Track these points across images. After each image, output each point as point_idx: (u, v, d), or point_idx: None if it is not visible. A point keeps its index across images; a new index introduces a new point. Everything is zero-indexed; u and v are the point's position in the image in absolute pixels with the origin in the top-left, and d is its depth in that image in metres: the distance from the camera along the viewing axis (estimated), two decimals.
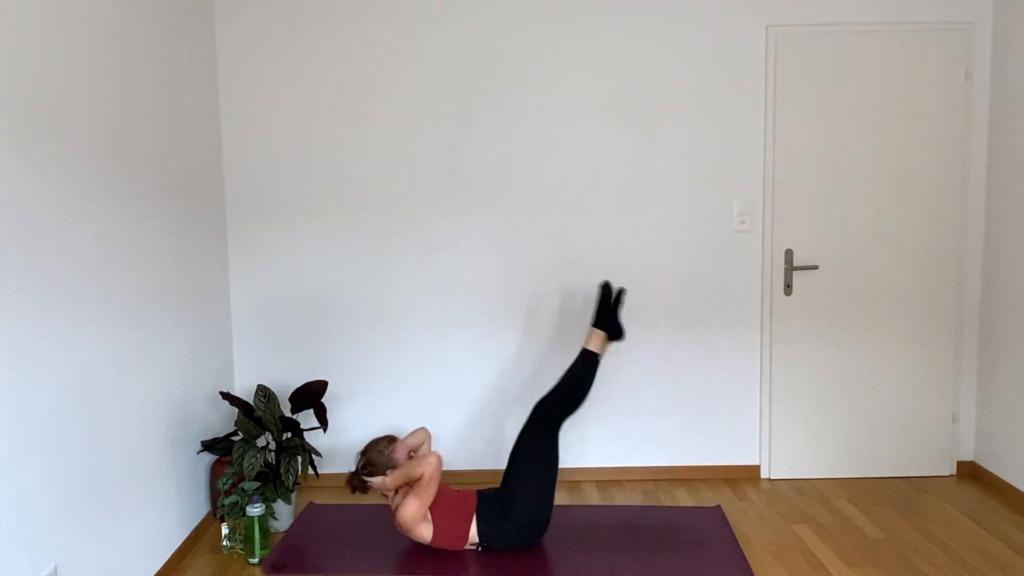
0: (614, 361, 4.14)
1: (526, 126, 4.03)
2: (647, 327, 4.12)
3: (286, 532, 3.57)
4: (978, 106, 4.01)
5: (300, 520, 3.67)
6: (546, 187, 4.06)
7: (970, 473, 4.17)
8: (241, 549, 3.39)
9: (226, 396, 3.48)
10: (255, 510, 3.29)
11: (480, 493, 3.37)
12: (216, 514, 3.65)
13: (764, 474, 4.20)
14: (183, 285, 3.45)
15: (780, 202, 4.04)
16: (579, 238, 4.08)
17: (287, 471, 3.47)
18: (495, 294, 4.11)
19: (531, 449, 3.34)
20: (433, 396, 4.17)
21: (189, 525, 3.48)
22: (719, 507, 3.76)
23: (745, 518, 3.68)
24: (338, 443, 4.17)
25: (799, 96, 3.99)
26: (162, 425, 3.22)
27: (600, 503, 3.88)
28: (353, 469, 3.36)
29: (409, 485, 3.26)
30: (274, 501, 3.49)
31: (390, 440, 3.39)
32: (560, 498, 3.95)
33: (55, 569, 2.38)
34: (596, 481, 4.19)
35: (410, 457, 3.42)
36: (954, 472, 4.18)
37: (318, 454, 3.66)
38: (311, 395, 3.72)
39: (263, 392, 3.62)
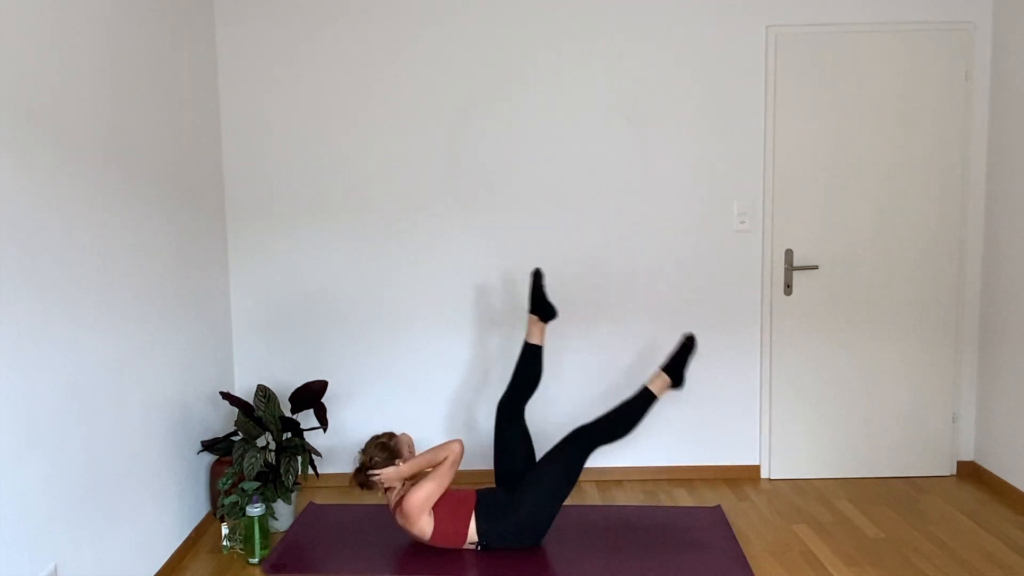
0: (614, 361, 4.14)
1: (526, 126, 4.03)
2: (647, 327, 4.12)
3: (286, 532, 3.57)
4: (978, 106, 4.01)
5: (300, 520, 3.67)
6: (546, 187, 4.06)
7: (970, 473, 4.17)
8: (241, 549, 3.39)
9: (226, 396, 3.48)
10: (255, 510, 3.29)
11: (479, 492, 3.37)
12: (216, 514, 3.65)
13: (764, 474, 4.20)
14: (183, 285, 3.45)
15: (780, 202, 4.04)
16: (579, 238, 4.08)
17: (287, 471, 3.47)
18: (495, 294, 4.10)
19: (556, 461, 3.31)
20: (433, 396, 4.17)
21: (189, 525, 3.48)
22: (719, 507, 3.76)
23: (745, 518, 3.68)
24: (338, 443, 4.17)
25: (799, 96, 3.99)
26: (162, 425, 3.22)
27: (600, 503, 3.88)
28: (356, 467, 3.36)
29: (414, 479, 3.28)
30: (274, 501, 3.49)
31: (390, 435, 3.40)
32: None
33: (55, 569, 2.38)
34: (596, 481, 4.19)
35: (410, 452, 3.43)
36: (954, 472, 4.18)
37: (318, 454, 3.66)
38: (311, 395, 3.72)
39: (263, 392, 3.62)
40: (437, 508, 3.25)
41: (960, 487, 4.02)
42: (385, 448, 3.33)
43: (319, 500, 3.96)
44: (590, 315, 4.11)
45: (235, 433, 3.65)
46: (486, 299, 4.11)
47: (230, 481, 3.39)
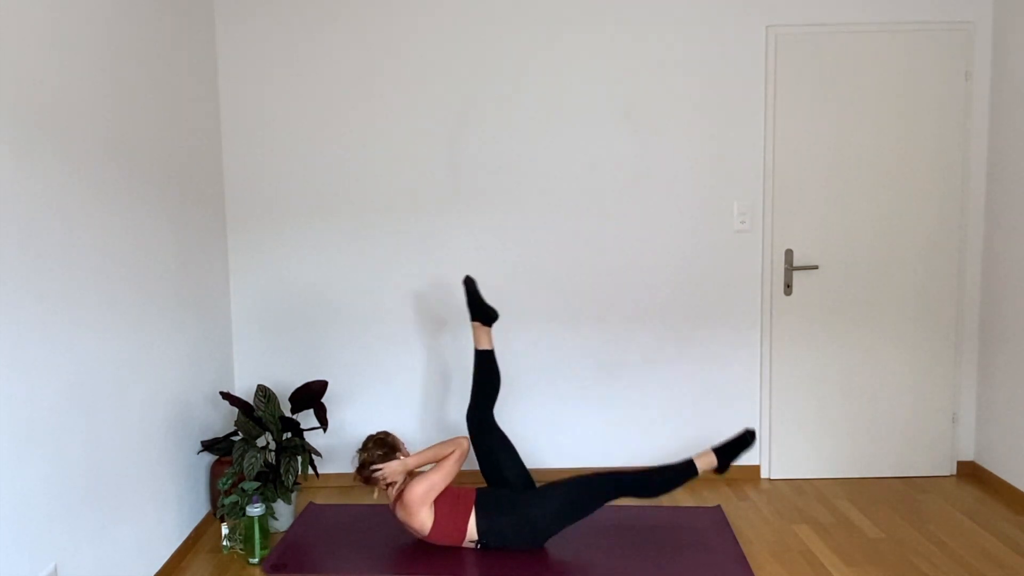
0: (614, 361, 4.14)
1: (526, 126, 4.03)
2: (647, 327, 4.12)
3: (286, 532, 3.57)
4: (978, 106, 4.01)
5: (300, 520, 3.67)
6: (546, 187, 4.06)
7: (970, 473, 4.17)
8: (241, 549, 3.39)
9: (226, 396, 3.48)
10: (255, 510, 3.29)
11: (480, 490, 3.37)
12: (216, 514, 3.65)
13: (764, 474, 4.20)
14: (183, 285, 3.45)
15: (780, 202, 4.04)
16: (579, 238, 4.08)
17: (287, 471, 3.47)
18: (495, 294, 4.10)
19: (581, 486, 3.27)
20: (433, 396, 4.17)
21: (189, 525, 3.48)
22: (719, 507, 3.76)
23: (745, 518, 3.68)
24: (338, 443, 4.17)
25: (799, 96, 3.99)
26: (162, 425, 3.22)
27: None
28: (358, 465, 3.35)
29: (415, 474, 3.28)
30: (274, 501, 3.49)
31: (386, 432, 3.41)
32: None
33: (55, 569, 2.38)
34: None
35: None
36: (954, 472, 4.18)
37: (318, 454, 3.66)
38: (311, 395, 3.72)
39: (263, 392, 3.62)
40: (437, 503, 3.26)
41: (960, 487, 4.02)
42: (384, 444, 3.33)
43: (319, 500, 3.96)
44: (590, 315, 4.11)
45: (235, 433, 3.65)
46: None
47: (230, 481, 3.39)
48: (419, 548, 3.35)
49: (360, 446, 3.41)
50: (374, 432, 3.53)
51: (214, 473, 3.65)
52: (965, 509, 3.74)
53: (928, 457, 4.16)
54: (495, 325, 4.10)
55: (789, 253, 4.06)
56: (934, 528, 3.53)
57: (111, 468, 2.77)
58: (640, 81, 4.01)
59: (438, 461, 3.31)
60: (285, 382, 4.14)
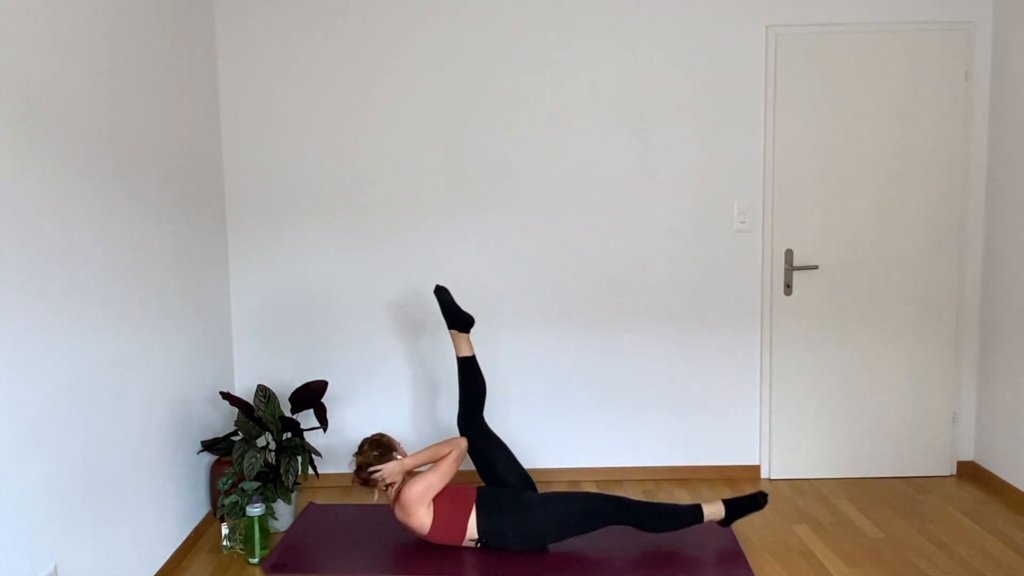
0: (614, 361, 4.14)
1: (526, 126, 4.03)
2: (647, 327, 4.12)
3: (286, 532, 3.57)
4: (978, 106, 4.01)
5: (300, 520, 3.67)
6: (546, 187, 4.06)
7: (970, 473, 4.17)
8: (241, 549, 3.39)
9: (226, 396, 3.48)
10: (255, 510, 3.29)
11: (481, 489, 3.37)
12: (216, 514, 3.65)
13: (764, 474, 4.20)
14: (183, 285, 3.45)
15: (780, 202, 4.04)
16: (578, 238, 4.08)
17: (287, 471, 3.47)
18: (495, 293, 4.11)
19: (589, 503, 3.26)
20: (433, 396, 4.17)
21: (189, 525, 3.48)
22: None
23: (745, 518, 3.68)
24: (338, 443, 4.17)
25: (799, 96, 3.99)
26: (162, 425, 3.22)
27: None
28: (355, 467, 3.36)
29: (415, 471, 3.28)
30: (274, 501, 3.49)
31: (381, 434, 3.41)
32: None
33: (55, 569, 2.38)
34: (596, 481, 4.19)
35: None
36: (954, 472, 4.18)
37: (318, 454, 3.66)
38: (311, 395, 3.72)
39: (263, 392, 3.62)
40: (436, 502, 3.26)
41: (960, 487, 4.02)
42: (380, 445, 3.34)
43: (319, 500, 3.96)
44: (589, 315, 4.11)
45: (235, 433, 3.65)
46: (487, 300, 4.11)
47: (230, 481, 3.39)
48: (419, 548, 3.35)
49: (356, 449, 3.41)
50: (369, 435, 3.53)
51: (214, 473, 3.65)
52: (965, 509, 3.74)
53: (928, 457, 4.16)
54: (489, 327, 4.10)
55: (789, 253, 4.06)
56: (934, 528, 3.53)
57: (111, 468, 2.77)
58: (640, 81, 4.01)
59: (436, 461, 3.31)
60: (285, 382, 4.14)
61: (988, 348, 4.03)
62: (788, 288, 4.08)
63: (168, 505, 3.26)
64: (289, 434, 3.70)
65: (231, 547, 3.42)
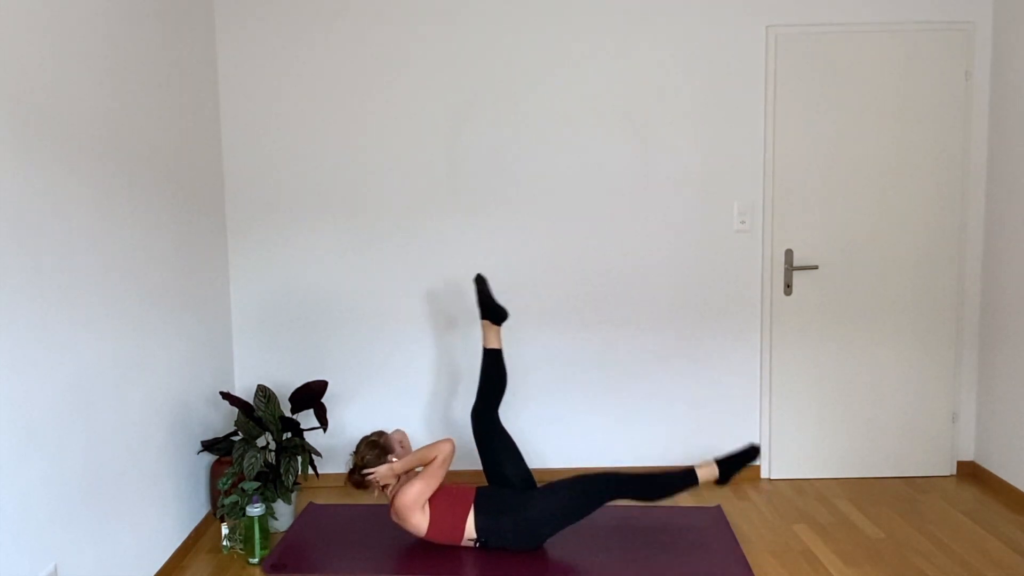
0: (614, 361, 4.14)
1: (526, 127, 4.03)
2: (647, 327, 4.12)
3: (286, 532, 3.57)
4: (978, 106, 4.01)
5: (300, 520, 3.67)
6: (546, 188, 4.06)
7: (970, 473, 4.17)
8: (241, 549, 3.39)
9: (226, 396, 3.48)
10: (255, 510, 3.29)
11: (480, 489, 3.37)
12: (216, 514, 3.65)
13: (764, 474, 4.20)
14: (183, 285, 3.45)
15: (780, 202, 4.04)
16: (579, 238, 4.08)
17: (287, 471, 3.47)
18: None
19: (581, 485, 3.27)
20: (433, 396, 4.17)
21: (189, 525, 3.48)
22: (719, 507, 3.76)
23: (745, 518, 3.68)
24: (338, 443, 4.17)
25: (799, 96, 3.99)
26: (162, 425, 3.22)
27: None
28: (349, 468, 3.37)
29: (409, 473, 3.28)
30: (274, 501, 3.49)
31: (380, 433, 3.41)
32: None
33: (55, 569, 2.38)
34: None
35: (402, 447, 3.42)
36: (954, 472, 4.18)
37: (318, 454, 3.66)
38: (311, 395, 3.72)
39: (263, 392, 3.62)
40: (434, 502, 3.26)
41: (960, 487, 4.02)
42: (375, 446, 3.34)
43: (319, 500, 3.96)
44: (589, 315, 4.11)
45: (235, 433, 3.65)
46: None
47: (230, 481, 3.39)
48: (419, 548, 3.35)
49: (354, 448, 3.41)
50: (369, 433, 3.53)
51: (214, 473, 3.65)
52: (965, 509, 3.74)
53: (928, 457, 4.16)
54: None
55: (789, 253, 4.06)
56: (934, 528, 3.53)
57: (111, 468, 2.77)
58: (640, 81, 4.01)
59: (424, 465, 3.31)
60: (285, 382, 4.14)
61: (988, 348, 4.03)
62: (788, 288, 4.08)
63: (168, 505, 3.26)
64: (289, 434, 3.70)
65: (231, 547, 3.42)
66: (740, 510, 3.77)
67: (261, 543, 3.29)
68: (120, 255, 2.86)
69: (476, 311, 4.11)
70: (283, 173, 4.04)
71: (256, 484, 3.37)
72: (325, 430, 3.75)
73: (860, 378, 4.12)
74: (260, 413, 3.57)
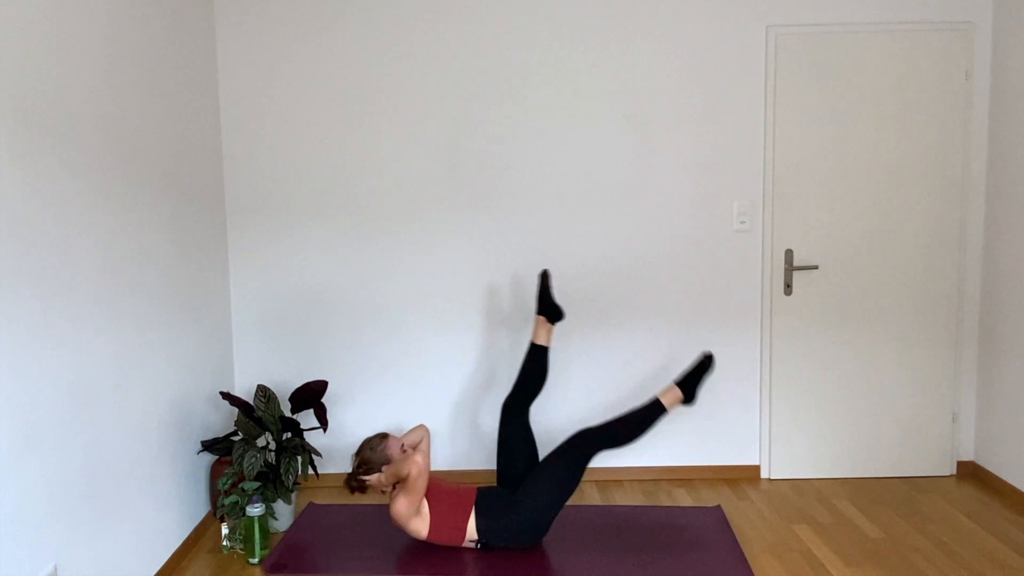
0: (615, 361, 4.14)
1: (526, 126, 4.03)
2: (647, 326, 4.12)
3: (286, 532, 3.57)
4: (978, 106, 4.01)
5: (300, 520, 3.67)
6: (546, 187, 4.06)
7: (970, 473, 4.17)
8: (241, 549, 3.39)
9: (226, 396, 3.48)
10: (255, 510, 3.29)
11: (480, 490, 3.37)
12: (216, 514, 3.65)
13: (764, 474, 4.20)
14: (183, 285, 3.45)
15: (780, 202, 4.04)
16: (578, 238, 4.08)
17: (287, 471, 3.47)
18: (495, 294, 4.11)
19: (559, 461, 3.30)
20: (433, 396, 4.17)
21: (189, 525, 3.48)
22: (719, 507, 3.76)
23: (745, 518, 3.68)
24: (338, 443, 4.17)
25: (799, 96, 3.99)
26: (162, 425, 3.22)
27: (600, 503, 3.88)
28: (350, 470, 3.37)
29: (401, 482, 3.28)
30: (274, 501, 3.49)
31: (382, 436, 3.41)
32: None
33: (55, 569, 2.38)
34: (596, 481, 4.19)
35: (403, 451, 3.42)
36: (954, 472, 4.18)
37: (318, 454, 3.66)
38: (311, 395, 3.72)
39: (263, 392, 3.62)
40: (434, 506, 3.26)
41: (960, 487, 4.02)
42: (373, 451, 3.34)
43: (319, 500, 3.96)
44: (590, 315, 4.11)
45: (235, 433, 3.65)
46: (487, 300, 4.11)
47: (230, 481, 3.39)
48: (419, 548, 3.35)
49: (358, 447, 3.42)
50: (373, 434, 3.52)
51: (214, 473, 3.65)
52: (965, 509, 3.74)
53: (928, 457, 4.16)
54: (488, 326, 4.10)
55: (789, 253, 4.06)
56: (934, 528, 3.53)
57: (111, 468, 2.77)
58: (640, 81, 4.01)
59: (405, 480, 3.23)
60: (285, 382, 4.14)
61: (988, 348, 4.03)
62: (788, 288, 4.08)
63: (168, 505, 3.26)
64: (289, 434, 3.70)
65: (231, 547, 3.42)
66: (740, 510, 3.77)
67: (261, 543, 3.29)
68: (120, 255, 2.86)
69: (477, 312, 4.11)
70: (283, 173, 4.04)
71: (256, 484, 3.37)
72: (325, 430, 3.75)
73: (860, 378, 4.12)
74: (260, 413, 3.57)
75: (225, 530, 3.41)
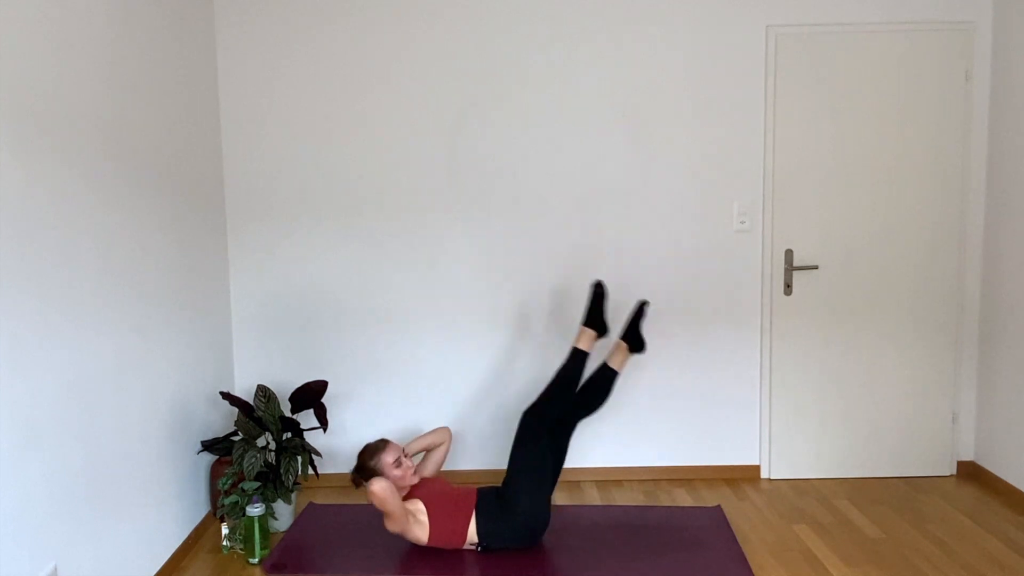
0: None
1: (526, 126, 4.03)
2: (647, 327, 4.11)
3: (286, 532, 3.57)
4: (978, 106, 4.01)
5: (300, 520, 3.67)
6: (546, 187, 4.06)
7: (970, 473, 4.17)
8: (241, 549, 3.39)
9: (226, 396, 3.48)
10: (255, 510, 3.29)
11: (480, 491, 3.37)
12: (216, 514, 3.65)
13: (764, 474, 4.20)
14: (183, 285, 3.45)
15: (780, 202, 4.04)
16: (579, 238, 4.08)
17: (287, 471, 3.47)
18: (495, 294, 4.11)
19: (528, 449, 3.32)
20: (433, 395, 4.17)
21: (189, 525, 3.48)
22: (719, 507, 3.76)
23: (745, 518, 3.68)
24: (338, 443, 4.17)
25: (799, 96, 3.99)
26: (162, 425, 3.22)
27: (600, 503, 3.88)
28: (354, 466, 3.40)
29: (418, 470, 3.33)
30: (274, 501, 3.49)
31: (380, 445, 3.37)
32: (560, 498, 3.95)
33: (55, 569, 2.38)
34: (596, 481, 4.19)
35: (398, 463, 3.37)
36: (954, 472, 4.18)
37: (318, 454, 3.66)
38: (311, 395, 3.72)
39: (263, 392, 3.62)
40: (434, 511, 3.25)
41: (960, 487, 4.02)
42: (368, 459, 3.34)
43: (319, 500, 3.96)
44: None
45: (235, 433, 3.65)
46: (487, 299, 4.11)
47: (230, 481, 3.39)
48: (419, 548, 3.35)
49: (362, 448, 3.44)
50: (377, 440, 3.51)
51: (214, 473, 3.65)
52: (965, 509, 3.74)
53: (928, 457, 4.16)
54: (488, 326, 4.10)
55: (789, 253, 4.06)
56: (934, 528, 3.53)
57: (111, 468, 2.77)
58: (640, 81, 4.01)
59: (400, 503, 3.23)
60: (285, 382, 4.14)
61: (988, 348, 4.03)
62: (788, 288, 4.08)
63: (168, 505, 3.26)
64: (289, 434, 3.70)
65: (231, 547, 3.42)
66: (740, 510, 3.77)
67: (261, 543, 3.29)
68: (120, 254, 2.86)
69: (477, 312, 4.11)
70: (283, 173, 4.04)
71: (256, 484, 3.37)
72: (325, 430, 3.75)
73: (860, 378, 4.12)
74: (260, 413, 3.57)
75: (225, 530, 3.41)
